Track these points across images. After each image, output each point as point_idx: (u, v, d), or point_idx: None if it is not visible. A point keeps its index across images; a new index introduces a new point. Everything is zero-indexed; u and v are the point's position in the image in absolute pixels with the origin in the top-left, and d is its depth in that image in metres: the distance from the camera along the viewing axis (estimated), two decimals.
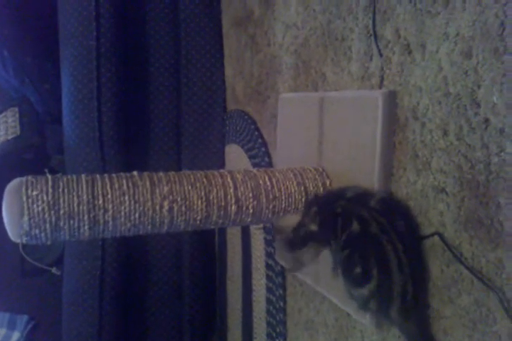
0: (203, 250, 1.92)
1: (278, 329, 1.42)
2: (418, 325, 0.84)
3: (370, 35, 0.97)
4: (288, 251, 0.94)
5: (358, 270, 0.83)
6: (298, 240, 0.91)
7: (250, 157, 1.62)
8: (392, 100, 0.90)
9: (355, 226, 0.84)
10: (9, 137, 1.85)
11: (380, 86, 0.95)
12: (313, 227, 0.90)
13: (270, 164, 1.47)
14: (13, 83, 1.92)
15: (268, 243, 1.47)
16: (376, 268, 0.81)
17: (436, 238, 0.82)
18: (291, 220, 0.93)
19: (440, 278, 0.82)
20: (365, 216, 0.84)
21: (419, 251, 0.85)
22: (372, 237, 0.82)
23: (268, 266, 1.47)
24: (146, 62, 1.84)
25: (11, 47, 1.80)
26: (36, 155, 1.84)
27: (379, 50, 0.94)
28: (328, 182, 1.07)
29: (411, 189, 0.88)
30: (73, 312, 1.76)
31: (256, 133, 1.57)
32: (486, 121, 0.71)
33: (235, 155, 1.76)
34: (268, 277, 1.47)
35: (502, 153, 0.69)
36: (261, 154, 1.52)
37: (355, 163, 1.00)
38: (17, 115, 1.93)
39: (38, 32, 1.83)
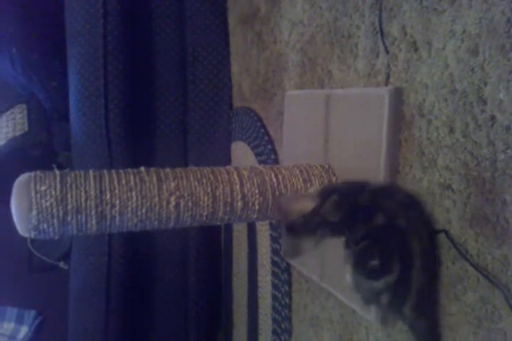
0: (209, 247, 1.93)
1: (283, 326, 1.42)
2: (428, 322, 0.84)
3: (377, 33, 0.97)
4: (293, 236, 0.93)
5: (376, 262, 0.82)
6: (309, 227, 0.90)
7: (256, 154, 1.62)
8: (398, 97, 0.90)
9: (380, 219, 0.83)
10: (17, 133, 1.86)
11: (386, 83, 0.95)
12: (333, 218, 0.88)
13: (276, 161, 1.47)
14: (21, 80, 1.93)
15: (274, 240, 1.47)
16: (399, 262, 0.80)
17: (441, 235, 0.82)
18: (299, 205, 0.92)
19: (446, 275, 0.82)
20: (392, 209, 0.84)
21: (435, 248, 0.84)
22: (399, 231, 0.82)
23: (274, 263, 1.48)
24: (152, 59, 1.85)
25: (18, 44, 1.81)
26: (44, 152, 1.85)
27: (385, 48, 0.94)
28: (334, 180, 1.08)
29: (417, 186, 0.88)
30: (80, 307, 1.77)
31: (262, 130, 1.57)
32: (493, 118, 0.71)
33: (241, 153, 1.77)
34: (274, 273, 1.48)
35: (508, 150, 0.69)
36: (267, 151, 1.52)
37: (361, 160, 1.00)
38: (25, 112, 1.94)
39: (43, 29, 1.84)
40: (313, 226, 0.89)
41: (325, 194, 0.91)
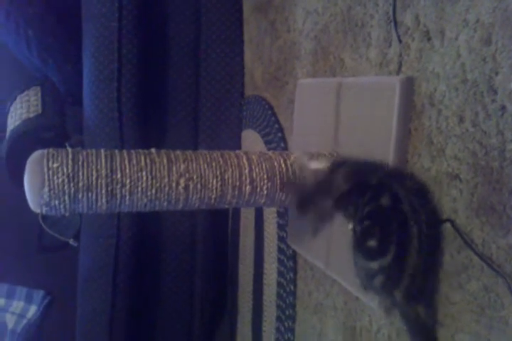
0: (216, 233, 1.94)
1: (287, 312, 1.44)
2: (422, 312, 0.84)
3: (390, 22, 0.97)
4: (302, 212, 0.94)
5: (373, 242, 0.83)
6: (319, 198, 0.91)
7: (266, 142, 1.62)
8: (409, 86, 0.91)
9: (386, 200, 0.84)
10: (31, 115, 1.87)
11: (398, 72, 0.95)
12: (344, 186, 0.89)
13: (286, 149, 1.48)
14: (36, 63, 1.94)
15: (281, 227, 1.48)
16: (395, 245, 0.81)
17: (447, 224, 0.82)
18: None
19: (450, 263, 0.82)
20: (400, 193, 0.84)
21: (438, 237, 0.85)
22: (401, 215, 0.82)
23: (280, 250, 1.49)
24: (166, 45, 1.85)
25: (35, 26, 1.82)
26: (56, 135, 1.86)
27: (398, 37, 0.94)
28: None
29: (425, 175, 0.88)
30: (88, 288, 1.80)
31: (273, 118, 1.57)
32: (503, 108, 0.71)
33: (251, 141, 1.77)
34: (280, 261, 1.49)
35: None
36: (277, 139, 1.52)
37: (371, 148, 1.00)
38: (39, 94, 1.95)
39: (60, 11, 1.85)
40: (323, 197, 0.90)
41: (337, 165, 0.92)
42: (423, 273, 0.82)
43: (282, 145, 1.49)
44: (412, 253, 0.80)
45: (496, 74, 0.72)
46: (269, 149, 1.60)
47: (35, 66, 1.98)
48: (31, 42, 1.84)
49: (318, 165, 1.00)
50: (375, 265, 0.82)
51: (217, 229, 1.94)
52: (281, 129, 1.52)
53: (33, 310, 2.13)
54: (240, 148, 1.90)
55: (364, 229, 0.85)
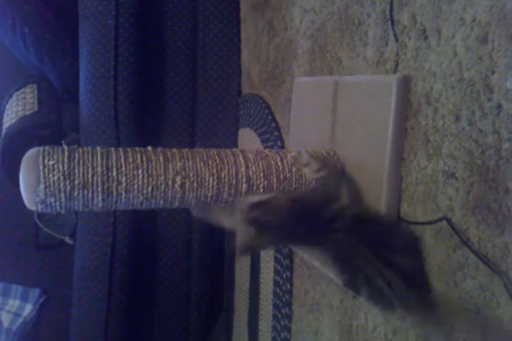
0: (213, 231, 1.94)
1: (284, 311, 1.44)
2: (423, 316, 0.86)
3: (387, 21, 0.97)
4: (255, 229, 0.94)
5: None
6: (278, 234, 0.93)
7: (263, 141, 1.62)
8: (406, 85, 0.91)
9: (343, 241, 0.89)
10: (27, 113, 1.87)
11: (395, 71, 0.95)
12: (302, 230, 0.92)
13: (282, 148, 1.48)
14: (33, 60, 1.93)
15: None
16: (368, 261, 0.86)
17: (443, 222, 0.82)
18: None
19: (446, 262, 0.82)
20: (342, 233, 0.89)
21: (415, 245, 0.88)
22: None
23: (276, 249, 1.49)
24: (163, 43, 1.85)
25: (32, 23, 1.81)
26: (52, 133, 1.86)
27: (395, 35, 0.94)
28: (339, 166, 1.08)
29: (421, 173, 0.88)
30: (84, 287, 1.79)
31: (269, 117, 1.57)
32: (499, 106, 0.71)
33: (248, 139, 1.77)
34: (276, 259, 1.49)
35: None
36: (274, 138, 1.52)
37: (367, 147, 1.00)
38: (35, 91, 1.94)
39: (57, 8, 1.84)
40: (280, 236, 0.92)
41: (298, 210, 0.93)
42: (404, 281, 0.84)
43: (279, 143, 1.49)
44: (382, 266, 0.84)
45: (493, 73, 0.72)
46: (265, 147, 1.60)
47: (31, 63, 1.97)
48: (27, 39, 1.83)
49: (311, 173, 1.01)
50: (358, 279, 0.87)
51: (213, 227, 1.94)
52: (278, 128, 1.52)
53: (28, 309, 2.13)
54: (236, 146, 1.90)
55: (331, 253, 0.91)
